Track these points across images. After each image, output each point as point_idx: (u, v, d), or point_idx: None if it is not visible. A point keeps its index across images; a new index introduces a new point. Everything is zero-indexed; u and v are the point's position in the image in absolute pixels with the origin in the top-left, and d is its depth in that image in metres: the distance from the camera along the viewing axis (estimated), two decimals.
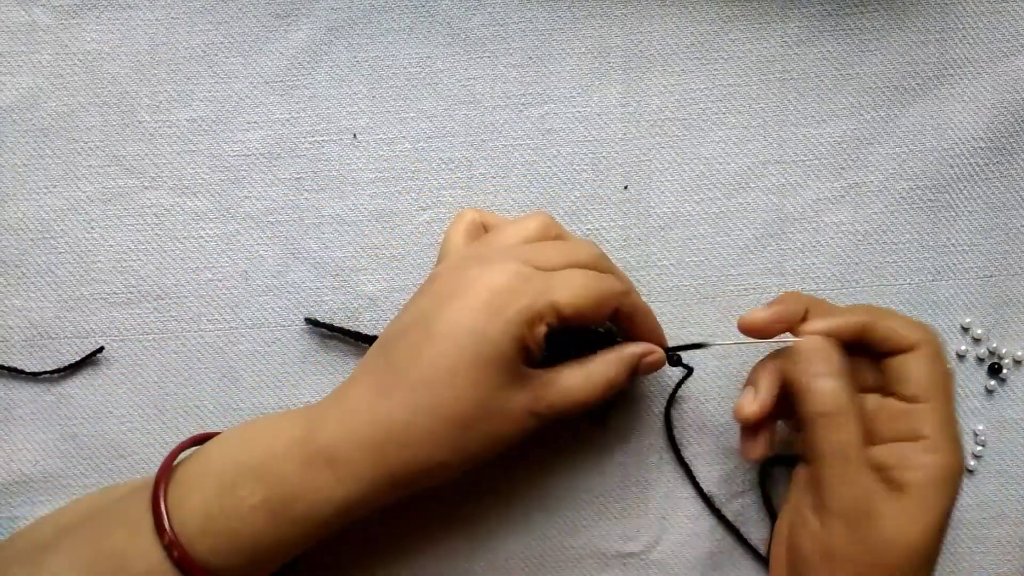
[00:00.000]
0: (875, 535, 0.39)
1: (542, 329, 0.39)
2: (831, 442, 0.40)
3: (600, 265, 0.42)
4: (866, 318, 0.41)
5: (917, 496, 0.39)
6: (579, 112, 0.47)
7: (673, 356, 0.44)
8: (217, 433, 0.41)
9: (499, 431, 0.39)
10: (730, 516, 0.48)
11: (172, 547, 0.37)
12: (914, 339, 0.41)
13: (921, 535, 0.39)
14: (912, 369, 0.40)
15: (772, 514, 0.47)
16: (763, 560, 0.47)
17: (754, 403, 0.42)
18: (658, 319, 0.44)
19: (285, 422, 0.40)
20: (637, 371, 0.42)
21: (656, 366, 0.43)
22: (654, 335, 0.43)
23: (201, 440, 0.42)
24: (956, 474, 0.40)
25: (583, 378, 0.41)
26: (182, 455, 0.41)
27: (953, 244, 0.48)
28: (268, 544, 0.38)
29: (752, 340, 0.42)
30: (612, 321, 0.42)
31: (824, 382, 0.40)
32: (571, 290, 0.39)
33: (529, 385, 0.40)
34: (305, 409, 0.41)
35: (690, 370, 0.46)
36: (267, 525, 0.38)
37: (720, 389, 0.48)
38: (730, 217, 0.48)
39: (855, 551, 0.39)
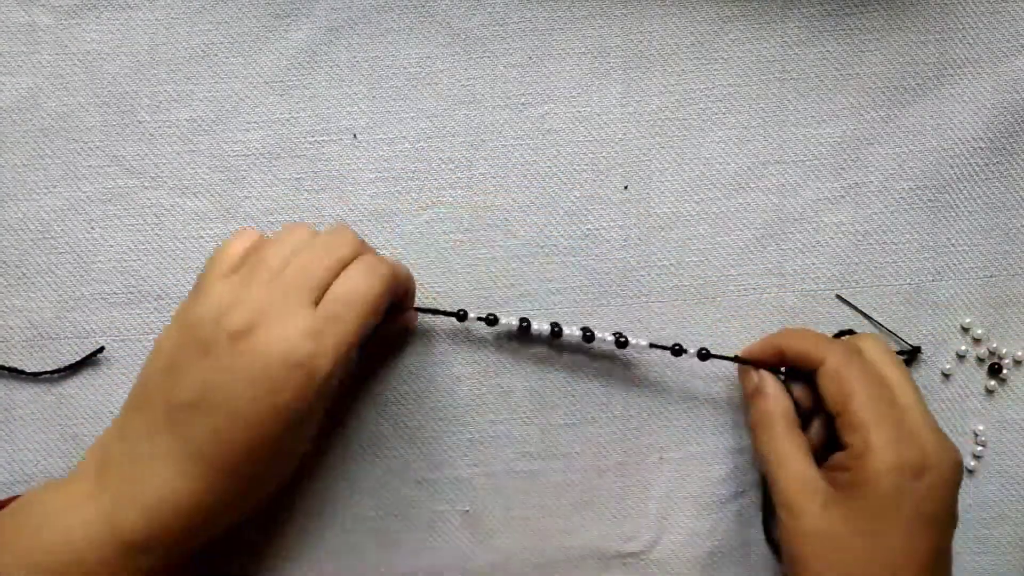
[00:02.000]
0: (803, 526, 0.40)
1: (354, 357, 0.40)
2: (754, 413, 0.44)
3: (360, 250, 0.41)
4: (778, 340, 0.44)
5: (845, 497, 0.40)
6: (579, 112, 0.47)
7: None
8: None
9: (309, 439, 0.42)
10: (730, 516, 0.48)
11: None
12: (817, 356, 0.42)
13: (852, 537, 0.39)
14: (823, 387, 0.42)
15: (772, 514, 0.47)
16: (763, 560, 0.47)
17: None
18: (658, 319, 0.46)
19: (75, 513, 0.38)
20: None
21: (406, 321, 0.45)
22: (409, 297, 0.44)
23: None
24: (884, 481, 0.39)
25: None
26: None
27: (953, 244, 0.48)
28: None
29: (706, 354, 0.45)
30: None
31: (748, 374, 0.45)
32: (361, 317, 0.38)
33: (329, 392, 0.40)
34: (88, 489, 0.38)
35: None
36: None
37: (720, 389, 0.47)
38: (730, 217, 0.48)
39: (792, 540, 0.41)
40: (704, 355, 0.45)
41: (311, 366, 0.37)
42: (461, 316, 0.45)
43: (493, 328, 0.46)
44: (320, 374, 0.37)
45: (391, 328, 0.45)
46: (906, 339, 0.48)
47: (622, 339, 0.45)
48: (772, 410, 0.43)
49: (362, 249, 0.41)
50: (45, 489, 0.40)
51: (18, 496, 0.40)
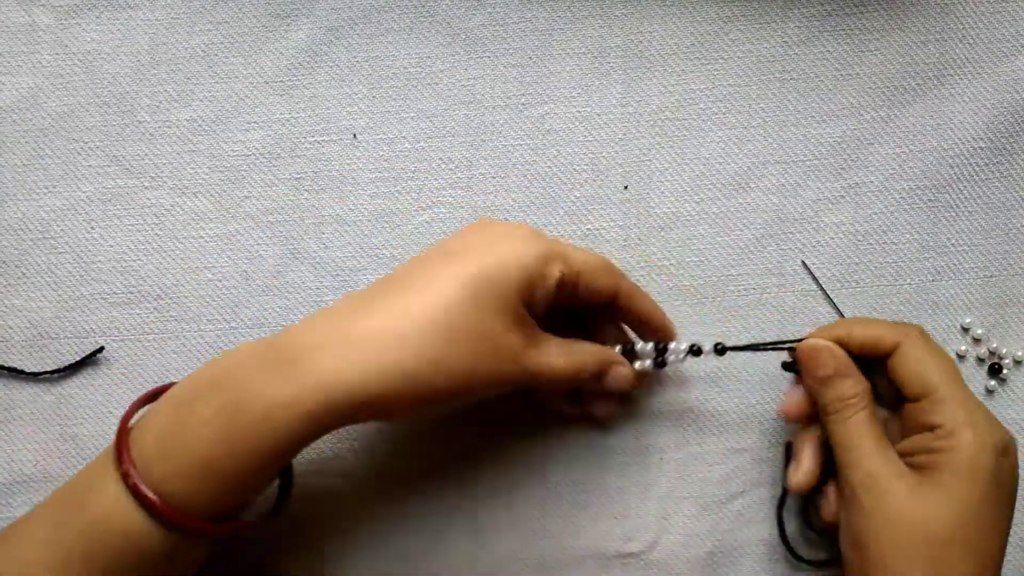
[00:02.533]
0: (888, 511, 0.39)
1: (554, 274, 0.39)
2: (831, 398, 0.42)
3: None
4: (841, 330, 0.43)
5: (935, 481, 0.39)
6: (579, 112, 0.47)
7: (659, 359, 0.45)
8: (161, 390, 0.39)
9: (481, 360, 0.37)
10: (730, 516, 0.47)
11: (126, 476, 0.35)
12: (891, 339, 0.42)
13: (943, 520, 0.39)
14: (902, 369, 0.42)
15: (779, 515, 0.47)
16: (763, 560, 0.47)
17: (798, 473, 0.44)
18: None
19: (257, 343, 0.37)
20: (606, 375, 0.43)
21: (621, 381, 0.43)
22: (656, 319, 0.44)
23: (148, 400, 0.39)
24: (981, 459, 0.39)
25: (564, 353, 0.41)
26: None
27: (953, 244, 0.48)
28: (221, 461, 0.35)
29: (758, 346, 0.45)
30: (615, 305, 0.43)
31: (822, 357, 0.43)
32: (582, 253, 0.41)
33: (523, 331, 0.39)
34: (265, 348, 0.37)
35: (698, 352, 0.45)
36: (219, 437, 0.35)
37: (721, 390, 0.47)
38: (730, 217, 0.48)
39: (872, 527, 0.39)
40: (741, 348, 0.45)
41: (538, 243, 0.39)
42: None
43: None
44: (542, 252, 0.39)
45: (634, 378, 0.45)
46: None
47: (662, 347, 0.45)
48: (854, 393, 0.42)
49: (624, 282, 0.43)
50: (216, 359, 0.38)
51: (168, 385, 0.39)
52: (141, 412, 0.38)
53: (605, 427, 0.47)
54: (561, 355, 0.41)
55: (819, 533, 0.47)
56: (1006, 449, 0.40)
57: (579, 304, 0.42)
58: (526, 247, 0.39)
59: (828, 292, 0.48)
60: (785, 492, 0.47)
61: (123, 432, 0.36)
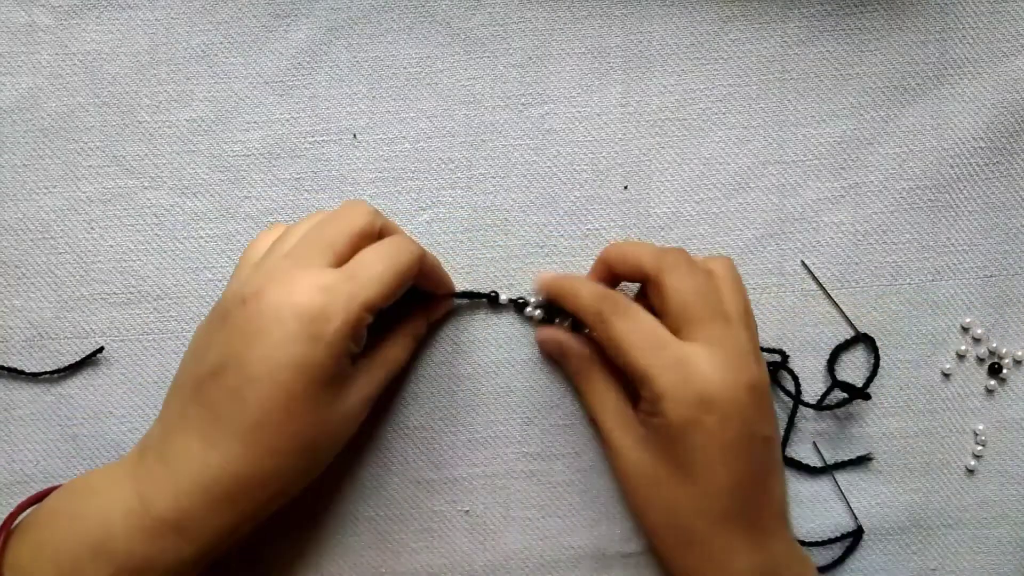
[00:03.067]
0: (623, 466, 0.43)
1: (363, 330, 0.39)
2: (569, 369, 0.46)
3: (382, 226, 0.41)
4: (564, 296, 0.44)
5: (651, 434, 0.41)
6: (579, 112, 0.47)
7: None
8: (41, 495, 0.41)
9: (344, 432, 0.41)
10: None
11: None
12: (589, 323, 0.43)
13: (662, 472, 0.41)
14: (606, 351, 0.43)
15: None
16: None
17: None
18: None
19: (113, 491, 0.38)
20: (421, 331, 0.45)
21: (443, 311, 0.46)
22: (443, 283, 0.45)
23: (27, 505, 0.41)
24: (672, 415, 0.40)
25: (399, 347, 0.44)
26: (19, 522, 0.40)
27: (953, 244, 0.48)
28: None
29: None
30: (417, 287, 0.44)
31: (545, 341, 0.46)
32: (378, 281, 0.38)
33: (359, 379, 0.41)
34: (128, 469, 0.39)
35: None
36: None
37: None
38: (730, 217, 0.48)
39: (620, 483, 0.44)
40: (521, 304, 0.47)
41: (322, 319, 0.37)
42: (492, 297, 0.46)
43: (493, 327, 0.46)
44: (330, 328, 0.37)
45: (434, 314, 0.46)
46: (907, 339, 0.48)
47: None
48: (579, 361, 0.45)
49: (377, 219, 0.41)
50: (93, 472, 0.40)
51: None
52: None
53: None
54: (396, 350, 0.44)
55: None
56: (705, 404, 0.39)
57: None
58: (333, 330, 0.37)
59: (828, 291, 0.48)
60: None
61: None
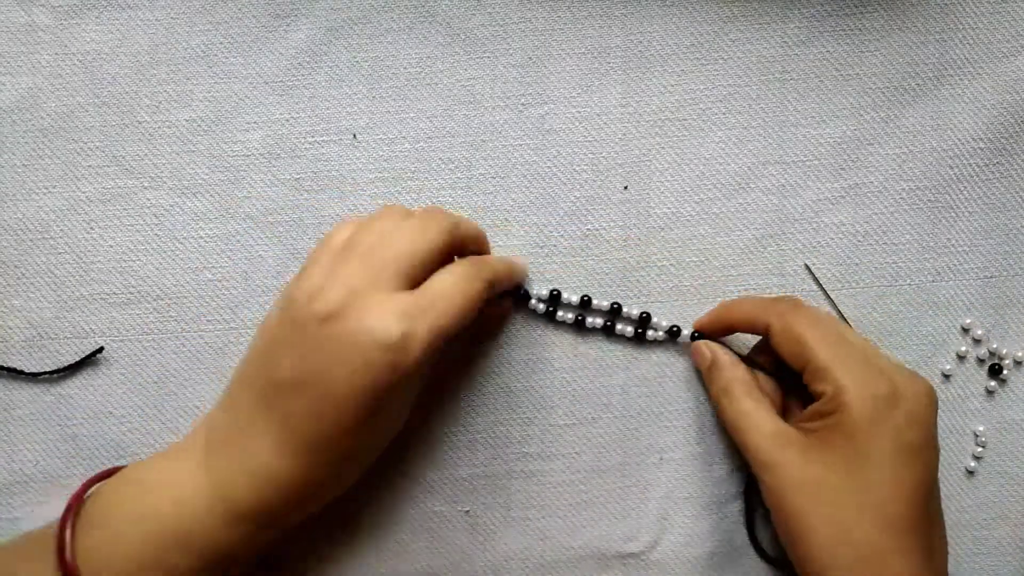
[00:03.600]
0: (785, 482, 0.40)
1: (436, 355, 0.39)
2: (714, 389, 0.45)
3: (462, 237, 0.42)
4: (723, 313, 0.45)
5: (828, 443, 0.40)
6: (579, 112, 0.47)
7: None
8: (111, 472, 0.41)
9: (393, 435, 0.42)
10: (730, 516, 0.47)
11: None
12: (763, 319, 0.43)
13: (837, 477, 0.39)
14: (779, 347, 0.43)
15: (751, 516, 0.47)
16: (763, 560, 0.47)
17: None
18: (657, 319, 0.47)
19: (187, 483, 0.39)
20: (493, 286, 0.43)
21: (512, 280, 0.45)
22: (514, 281, 0.45)
23: (92, 484, 0.41)
24: (865, 414, 0.39)
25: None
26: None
27: (953, 244, 0.48)
28: None
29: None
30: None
31: (700, 350, 0.46)
32: (454, 308, 0.38)
33: (420, 377, 0.42)
34: (199, 460, 0.40)
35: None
36: None
37: None
38: (730, 217, 0.48)
39: (780, 503, 0.40)
40: (675, 332, 0.47)
41: (402, 349, 0.37)
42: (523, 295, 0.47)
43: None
44: (410, 358, 0.37)
45: (490, 318, 0.46)
46: (907, 340, 0.48)
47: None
48: (730, 377, 0.44)
49: (456, 232, 0.41)
50: (154, 459, 0.41)
51: (122, 467, 0.41)
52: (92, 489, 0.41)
53: (605, 427, 0.47)
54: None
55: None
56: (892, 399, 0.39)
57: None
58: (411, 360, 0.37)
59: (828, 293, 0.48)
60: (748, 494, 0.47)
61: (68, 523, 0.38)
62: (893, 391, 0.39)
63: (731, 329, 0.46)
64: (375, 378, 0.37)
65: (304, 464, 0.38)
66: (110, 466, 0.42)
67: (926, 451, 0.40)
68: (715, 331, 0.46)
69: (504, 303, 0.46)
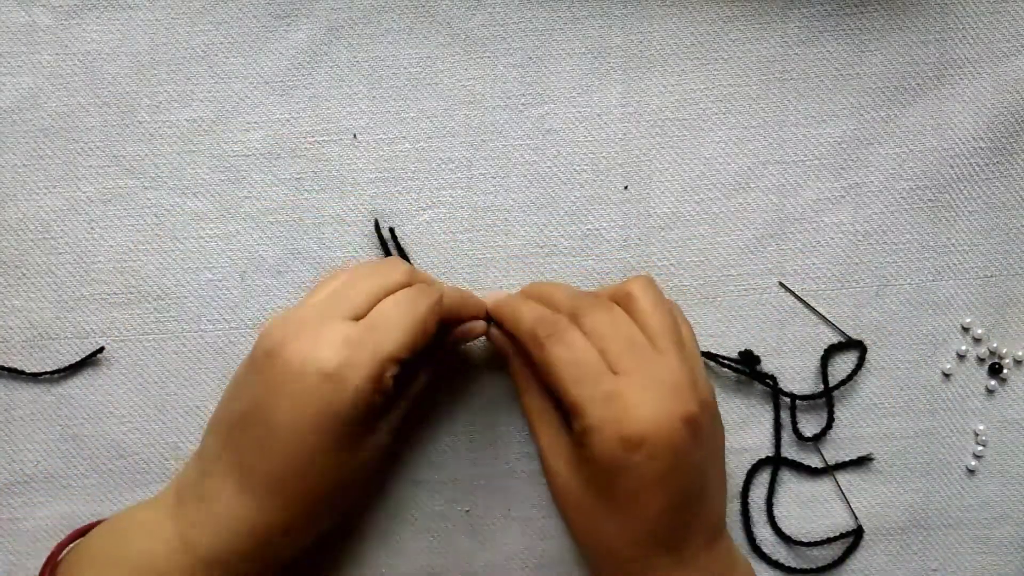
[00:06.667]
0: (557, 485, 0.43)
1: (389, 381, 0.39)
2: (513, 372, 0.45)
3: (410, 279, 0.42)
4: (505, 308, 0.44)
5: (583, 463, 0.41)
6: (579, 112, 0.47)
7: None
8: (88, 528, 0.42)
9: (371, 470, 0.42)
10: (729, 516, 0.47)
11: None
12: (526, 343, 0.42)
13: (585, 496, 0.42)
14: (540, 374, 0.43)
15: (749, 516, 0.48)
16: (762, 560, 0.47)
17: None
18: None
19: (155, 532, 0.39)
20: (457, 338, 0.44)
21: (471, 333, 0.45)
22: (472, 313, 0.45)
23: (70, 541, 0.42)
24: (600, 451, 0.39)
25: (421, 378, 0.44)
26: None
27: (953, 244, 0.48)
28: None
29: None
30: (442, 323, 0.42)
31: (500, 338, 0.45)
32: (399, 331, 0.39)
33: (387, 418, 0.41)
34: (168, 511, 0.40)
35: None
36: None
37: (720, 389, 0.47)
38: (730, 217, 0.48)
39: (554, 497, 0.43)
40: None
41: (342, 376, 0.37)
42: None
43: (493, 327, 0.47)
44: (351, 384, 0.37)
45: (447, 345, 0.45)
46: (907, 339, 0.48)
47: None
48: (520, 371, 0.45)
49: (412, 278, 0.42)
50: (130, 510, 0.42)
51: (100, 522, 0.42)
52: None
53: None
54: (392, 420, 0.42)
55: (783, 538, 0.47)
56: (635, 442, 0.38)
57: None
58: (356, 383, 0.37)
59: (812, 306, 0.48)
60: (747, 494, 0.47)
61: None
62: (633, 437, 0.38)
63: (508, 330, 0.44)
64: (317, 408, 0.37)
65: (266, 506, 0.38)
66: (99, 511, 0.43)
67: (677, 475, 0.39)
68: (497, 320, 0.45)
69: (474, 329, 0.45)
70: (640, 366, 0.40)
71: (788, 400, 0.47)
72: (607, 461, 0.39)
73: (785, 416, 0.48)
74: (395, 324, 0.39)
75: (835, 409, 0.47)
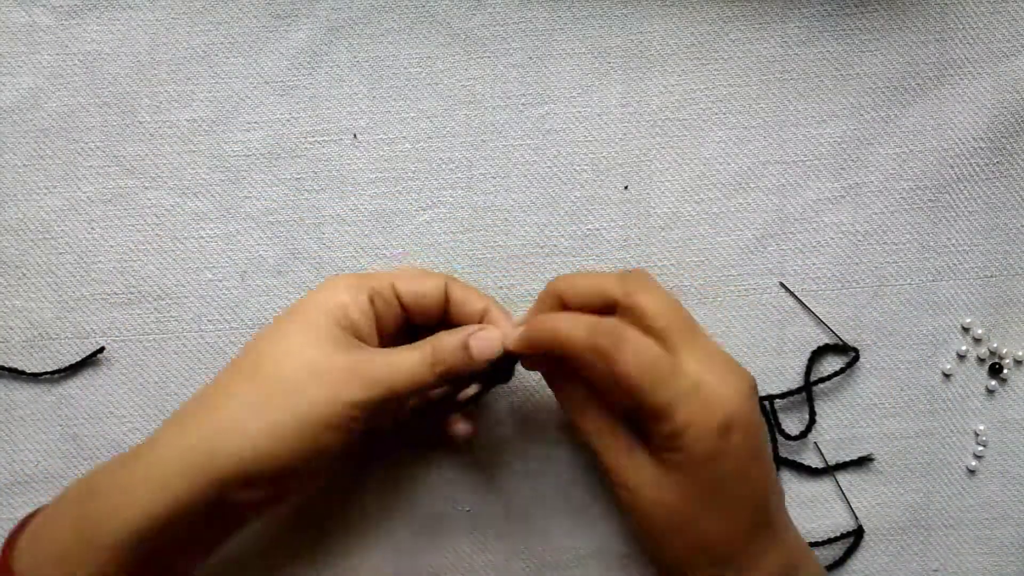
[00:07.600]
0: (640, 505, 0.40)
1: (364, 299, 0.40)
2: (563, 401, 0.42)
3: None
4: (542, 332, 0.40)
5: (668, 467, 0.39)
6: (579, 112, 0.47)
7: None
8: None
9: (313, 398, 0.38)
10: None
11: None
12: (586, 360, 0.39)
13: (685, 507, 0.39)
14: (614, 384, 0.39)
15: None
16: None
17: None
18: None
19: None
20: (470, 347, 0.40)
21: (489, 344, 0.40)
22: (490, 317, 0.42)
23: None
24: (694, 448, 0.38)
25: (411, 347, 0.40)
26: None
27: (953, 244, 0.48)
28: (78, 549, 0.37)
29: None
30: (447, 318, 0.42)
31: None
32: (404, 273, 0.42)
33: (354, 353, 0.39)
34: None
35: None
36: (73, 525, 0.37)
37: None
38: (730, 217, 0.48)
39: (636, 522, 0.40)
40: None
41: (334, 285, 0.41)
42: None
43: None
44: (341, 294, 0.40)
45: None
46: (907, 339, 0.48)
47: None
48: (582, 398, 0.41)
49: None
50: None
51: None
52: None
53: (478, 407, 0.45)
54: (408, 350, 0.39)
55: None
56: (726, 428, 0.38)
57: (430, 320, 0.42)
58: (316, 296, 0.40)
59: (809, 307, 0.48)
60: None
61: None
62: (726, 420, 0.38)
63: (554, 352, 0.40)
64: (314, 314, 0.40)
65: (225, 398, 0.39)
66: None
67: (763, 449, 0.40)
68: (537, 351, 0.41)
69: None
70: (692, 339, 0.39)
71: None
72: (706, 454, 0.38)
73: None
74: (402, 272, 0.43)
75: (836, 410, 0.47)
